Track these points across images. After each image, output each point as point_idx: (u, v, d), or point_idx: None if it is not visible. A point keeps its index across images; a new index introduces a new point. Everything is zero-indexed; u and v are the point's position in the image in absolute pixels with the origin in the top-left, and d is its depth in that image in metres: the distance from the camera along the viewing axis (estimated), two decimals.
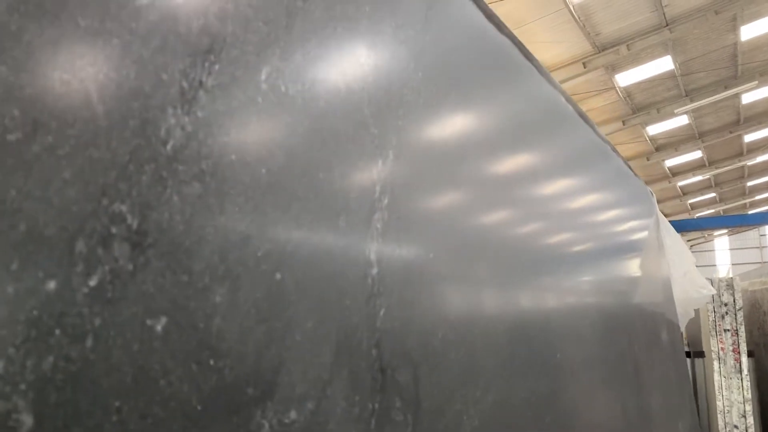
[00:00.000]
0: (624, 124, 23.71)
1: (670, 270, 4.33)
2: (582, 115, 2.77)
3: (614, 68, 20.08)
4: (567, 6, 16.38)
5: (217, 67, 0.78)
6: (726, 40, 19.35)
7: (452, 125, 1.45)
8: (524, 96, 2.05)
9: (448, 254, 1.28)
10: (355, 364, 0.93)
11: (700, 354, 8.27)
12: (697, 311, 7.60)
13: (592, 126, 2.96)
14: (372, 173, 1.08)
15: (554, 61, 19.14)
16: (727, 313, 7.74)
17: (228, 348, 0.72)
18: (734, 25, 18.42)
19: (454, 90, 1.49)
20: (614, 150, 3.49)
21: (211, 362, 0.70)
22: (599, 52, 18.91)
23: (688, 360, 9.79)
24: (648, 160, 28.11)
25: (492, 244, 1.55)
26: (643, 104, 23.04)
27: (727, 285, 7.73)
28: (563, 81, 19.48)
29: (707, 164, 30.95)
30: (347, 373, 0.91)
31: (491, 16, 1.77)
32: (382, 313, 1.02)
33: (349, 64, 1.09)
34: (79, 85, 0.61)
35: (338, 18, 1.07)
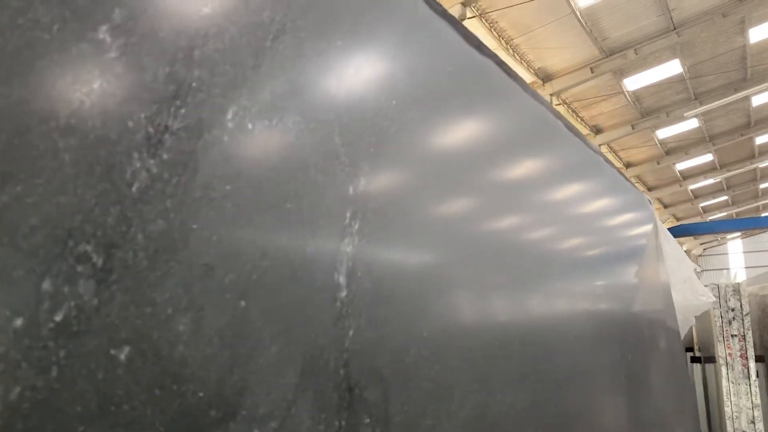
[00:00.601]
0: (633, 129, 23.66)
1: (669, 277, 4.36)
2: (571, 129, 2.82)
3: (622, 73, 20.07)
4: (573, 12, 16.40)
5: (183, 111, 0.84)
6: (734, 42, 19.30)
7: (430, 150, 1.50)
8: (509, 115, 2.11)
9: (421, 274, 1.34)
10: (321, 384, 0.99)
11: (712, 359, 8.25)
12: (708, 316, 7.61)
13: (582, 139, 3.00)
14: (342, 201, 1.13)
15: (561, 67, 19.16)
16: (734, 318, 7.73)
17: (191, 373, 0.78)
18: (742, 28, 18.36)
19: (434, 115, 1.55)
20: (607, 161, 3.52)
21: (174, 387, 0.76)
22: (607, 57, 18.91)
23: (698, 365, 9.77)
24: (658, 163, 28.02)
25: (471, 261, 1.60)
26: (652, 108, 22.99)
27: (734, 290, 7.72)
28: (571, 86, 19.53)
29: (718, 167, 30.79)
30: (312, 393, 0.97)
31: (470, 38, 1.82)
32: (351, 333, 1.07)
33: (320, 96, 1.15)
34: (46, 137, 0.67)
35: (308, 55, 1.13)
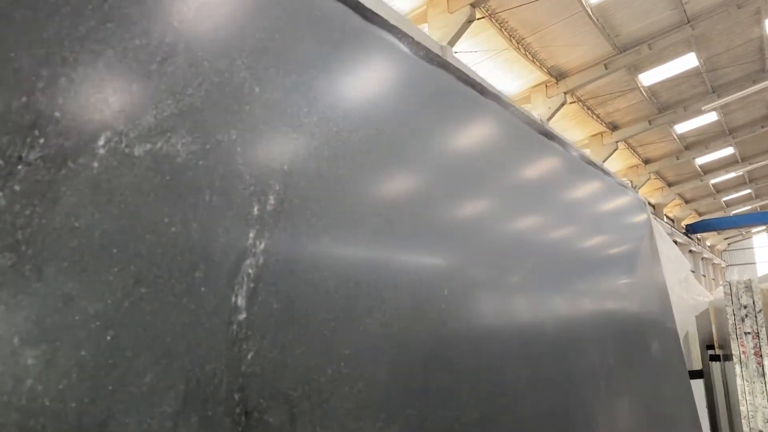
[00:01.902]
0: (651, 124, 23.40)
1: (666, 277, 4.29)
2: (551, 136, 2.79)
3: (637, 68, 19.87)
4: (584, 8, 16.27)
5: (42, 140, 0.84)
6: (751, 33, 19.01)
7: (354, 169, 1.49)
8: (474, 129, 2.09)
9: (342, 291, 1.32)
10: (209, 410, 0.97)
11: (730, 357, 8.11)
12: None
13: (564, 145, 2.97)
14: (244, 221, 1.12)
15: (575, 64, 19.02)
16: (747, 315, 7.58)
17: (41, 407, 0.77)
18: (758, 19, 18.08)
19: (362, 128, 1.53)
20: (597, 164, 3.48)
21: (23, 422, 0.75)
22: (620, 53, 18.73)
23: (718, 363, 9.62)
24: (678, 159, 27.68)
25: (402, 273, 1.58)
26: (669, 103, 22.72)
27: (746, 287, 7.58)
28: (585, 84, 19.38)
29: (740, 160, 30.34)
30: (198, 419, 0.95)
31: (411, 43, 1.81)
32: (250, 356, 1.06)
33: (220, 115, 1.14)
34: None
35: (206, 73, 1.12)
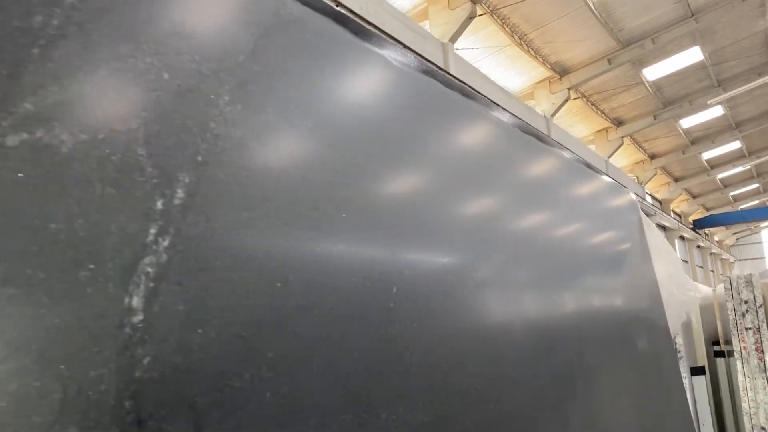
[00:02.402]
0: (656, 119, 23.26)
1: (656, 273, 4.19)
2: (534, 133, 2.70)
3: (641, 63, 19.74)
4: (586, 3, 16.15)
5: None
6: (756, 26, 18.84)
7: (285, 159, 1.41)
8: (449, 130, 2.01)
9: (266, 289, 1.24)
10: (91, 419, 0.90)
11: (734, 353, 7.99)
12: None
13: (544, 140, 2.88)
14: (144, 216, 1.05)
15: (578, 60, 18.90)
16: (747, 310, 7.47)
17: None
18: (763, 11, 17.91)
19: (318, 121, 1.46)
20: (582, 159, 3.39)
21: None
22: (624, 48, 18.61)
23: (723, 359, 9.49)
24: (684, 153, 27.51)
25: (322, 272, 1.50)
26: (674, 97, 22.57)
27: (746, 282, 7.46)
28: (589, 79, 19.26)
29: (747, 154, 30.12)
30: (77, 429, 0.88)
31: (355, 29, 1.73)
32: (146, 361, 0.99)
33: (120, 105, 1.06)
34: None
35: (104, 59, 1.05)
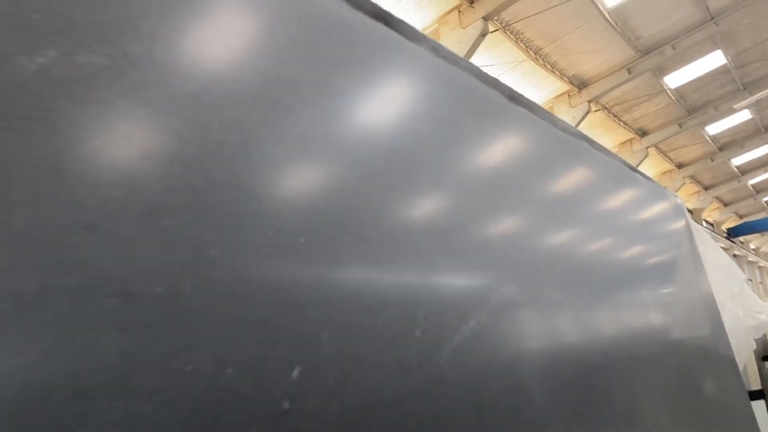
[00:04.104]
0: (681, 127, 22.68)
1: (715, 292, 3.69)
2: (579, 135, 2.31)
3: (662, 70, 19.25)
4: (601, 13, 15.79)
5: None
6: None
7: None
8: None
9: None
10: None
11: None
12: None
13: (590, 142, 2.49)
14: None
15: (597, 72, 18.51)
16: None
17: None
18: None
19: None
20: (626, 164, 2.98)
21: None
22: (643, 56, 18.17)
23: None
24: (712, 161, 26.80)
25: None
26: (698, 104, 21.98)
27: None
28: (609, 90, 18.85)
29: None
30: None
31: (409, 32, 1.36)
32: None
33: None
34: None
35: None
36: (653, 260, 3.23)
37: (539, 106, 2.31)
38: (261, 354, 0.94)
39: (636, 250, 3.04)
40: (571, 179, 2.56)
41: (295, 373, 0.97)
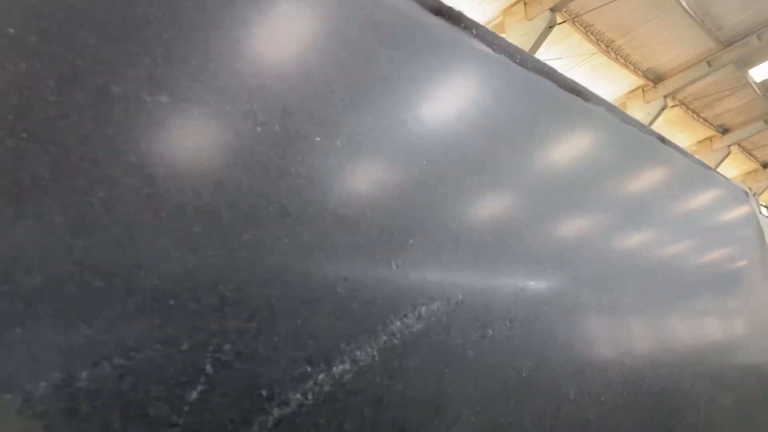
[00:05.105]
0: (767, 124, 21.35)
1: None
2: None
3: (746, 63, 18.10)
4: (678, 2, 14.90)
5: None
6: None
7: None
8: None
9: None
10: None
11: None
12: None
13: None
14: None
15: (674, 65, 17.59)
16: None
17: None
18: None
19: None
20: (702, 164, 2.53)
21: None
22: (725, 48, 17.10)
23: None
24: None
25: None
26: None
27: None
28: (687, 84, 17.94)
29: None
30: None
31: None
32: None
33: None
34: None
35: None
36: (724, 264, 2.76)
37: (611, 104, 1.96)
38: None
39: (708, 252, 2.60)
40: (642, 181, 2.18)
41: None
